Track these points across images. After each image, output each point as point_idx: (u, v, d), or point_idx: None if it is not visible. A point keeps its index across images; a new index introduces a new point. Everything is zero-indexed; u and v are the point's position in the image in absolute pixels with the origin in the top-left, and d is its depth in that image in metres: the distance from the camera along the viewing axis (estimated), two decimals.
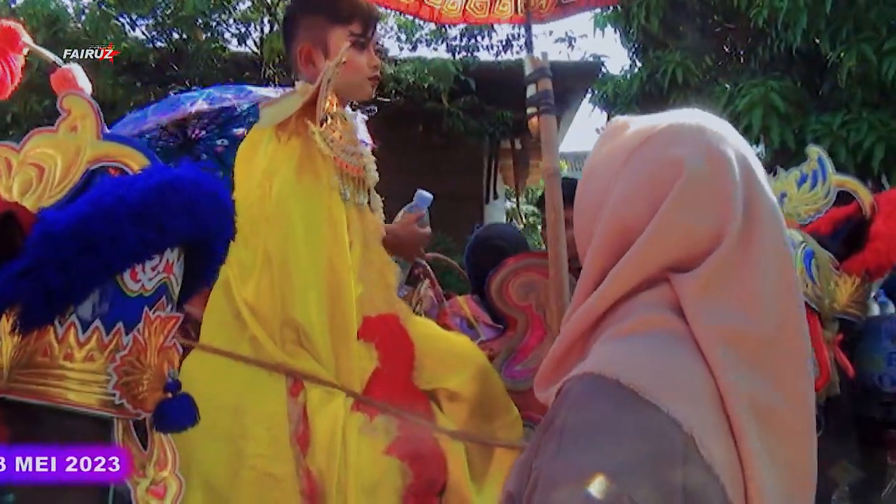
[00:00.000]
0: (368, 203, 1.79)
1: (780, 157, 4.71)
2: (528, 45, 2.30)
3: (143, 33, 5.28)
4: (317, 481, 1.50)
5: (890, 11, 4.88)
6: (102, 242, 1.08)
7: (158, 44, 5.26)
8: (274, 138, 1.63)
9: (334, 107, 1.68)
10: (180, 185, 1.15)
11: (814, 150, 2.23)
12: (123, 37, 4.92)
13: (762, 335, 0.84)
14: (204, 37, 5.05)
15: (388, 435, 1.56)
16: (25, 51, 1.82)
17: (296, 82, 1.76)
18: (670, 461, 0.76)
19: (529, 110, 2.05)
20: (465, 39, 6.03)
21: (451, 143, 6.47)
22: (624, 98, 6.88)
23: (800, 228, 2.12)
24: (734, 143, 0.92)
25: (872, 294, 3.27)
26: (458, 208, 6.03)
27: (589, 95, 7.49)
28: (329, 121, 1.64)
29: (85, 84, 1.73)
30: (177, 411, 1.23)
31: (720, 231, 0.86)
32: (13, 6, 4.64)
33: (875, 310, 3.40)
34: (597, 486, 0.75)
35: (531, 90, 2.05)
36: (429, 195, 1.99)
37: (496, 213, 9.10)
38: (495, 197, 8.92)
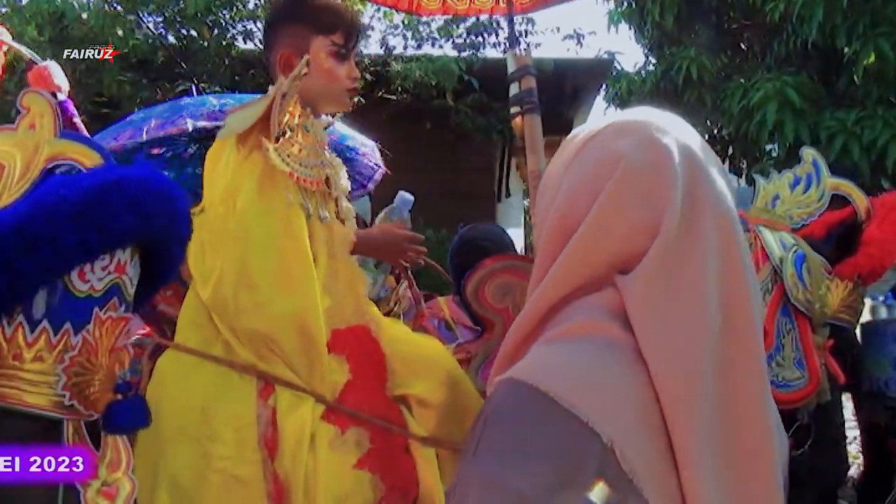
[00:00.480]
0: (337, 214, 1.77)
1: (794, 153, 4.62)
2: (511, 41, 2.26)
3: (151, 31, 5.30)
4: (283, 485, 1.49)
5: None
6: (42, 243, 1.07)
7: (166, 41, 5.28)
8: (235, 150, 1.61)
9: (295, 118, 1.64)
10: (124, 184, 1.13)
11: (808, 153, 2.18)
12: (131, 34, 4.93)
13: (709, 335, 0.80)
14: (212, 34, 5.05)
15: (360, 448, 1.54)
16: (5, 48, 1.81)
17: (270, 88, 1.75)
18: (582, 473, 0.73)
19: (513, 110, 2.00)
20: (471, 37, 5.98)
21: (461, 140, 6.42)
22: (638, 95, 6.80)
23: (792, 232, 2.07)
24: (679, 135, 0.89)
25: (881, 298, 3.20)
26: (469, 207, 6.00)
27: (603, 93, 7.43)
28: (288, 134, 1.61)
29: (62, 82, 1.73)
30: (127, 413, 1.22)
31: (659, 223, 0.83)
32: (21, 4, 4.66)
33: (882, 313, 3.34)
34: (503, 497, 0.73)
35: (514, 89, 2.00)
36: (410, 197, 1.96)
37: (511, 211, 9.05)
38: (508, 195, 8.86)
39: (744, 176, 6.45)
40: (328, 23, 1.74)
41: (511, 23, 2.27)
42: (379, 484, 1.53)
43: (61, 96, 1.70)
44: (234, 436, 1.51)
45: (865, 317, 3.22)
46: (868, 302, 3.45)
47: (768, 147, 5.74)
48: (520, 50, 2.06)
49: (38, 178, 1.21)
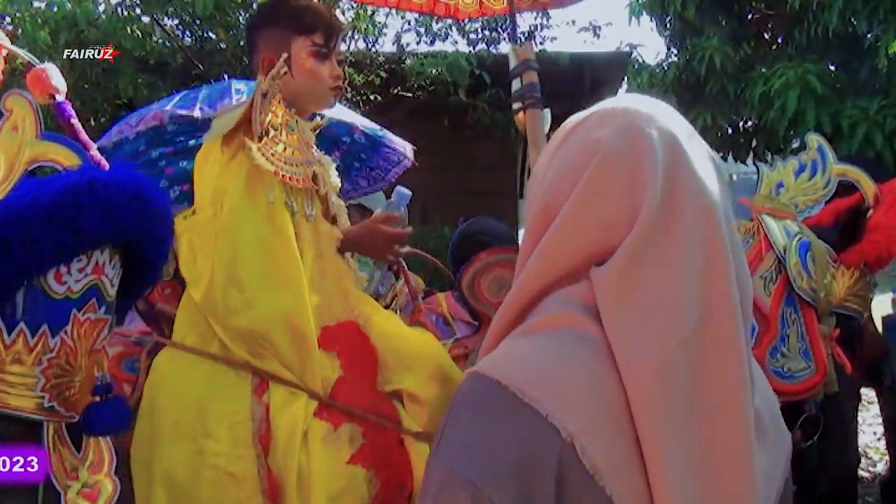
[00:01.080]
0: (327, 212, 1.77)
1: None
2: (512, 36, 2.23)
3: (167, 32, 5.33)
4: (277, 481, 1.49)
5: None
6: (14, 245, 1.07)
7: (183, 43, 5.30)
8: (220, 152, 1.62)
9: (279, 118, 1.65)
10: (97, 185, 1.14)
11: (813, 139, 2.12)
12: (148, 36, 4.96)
13: (684, 326, 0.78)
14: (228, 35, 5.07)
15: (353, 444, 1.54)
16: (4, 52, 1.82)
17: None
18: (540, 470, 0.72)
19: (515, 105, 1.99)
20: (486, 32, 5.92)
21: (480, 138, 6.36)
22: (660, 87, 6.68)
23: (796, 220, 2.02)
24: (663, 122, 0.86)
25: None
26: (489, 204, 5.93)
27: (625, 86, 7.34)
28: (272, 133, 1.61)
29: (60, 83, 1.73)
30: (105, 415, 1.22)
31: (637, 212, 0.81)
32: (34, 9, 4.69)
33: None
34: (460, 493, 0.73)
35: (516, 84, 1.98)
36: (407, 192, 1.94)
37: None
38: None
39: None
40: (308, 23, 1.74)
41: (513, 19, 2.24)
42: (373, 479, 1.52)
43: (59, 98, 1.71)
44: (228, 433, 1.51)
45: (887, 310, 3.14)
46: (890, 295, 3.37)
47: (789, 135, 5.60)
48: (521, 44, 2.04)
49: (21, 179, 1.22)
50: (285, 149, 1.64)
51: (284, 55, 1.65)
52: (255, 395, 1.55)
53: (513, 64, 2.03)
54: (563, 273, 0.85)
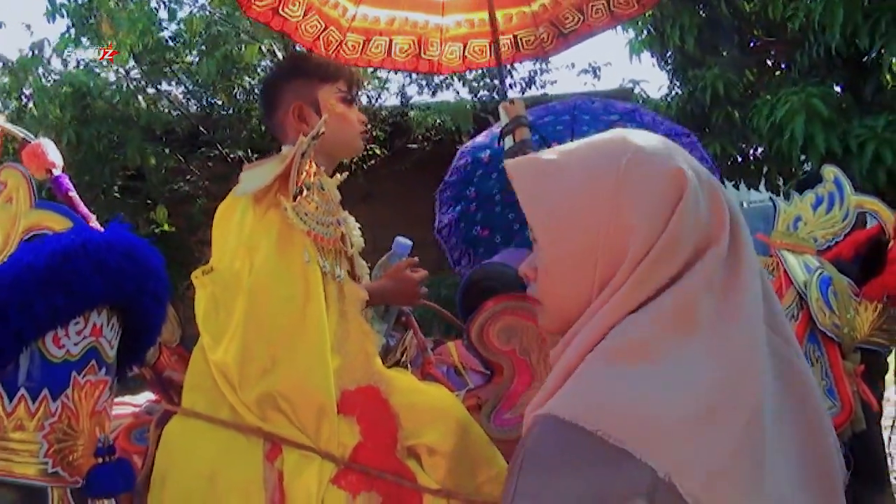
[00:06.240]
0: (349, 272, 1.75)
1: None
2: (502, 92, 2.23)
3: (171, 102, 5.37)
4: None
5: None
6: (10, 311, 1.07)
7: (188, 110, 5.33)
8: (251, 208, 1.61)
9: (311, 177, 1.66)
10: (91, 246, 1.14)
11: (829, 171, 2.08)
12: (154, 106, 5.00)
13: (762, 339, 0.81)
14: (232, 100, 5.09)
15: None
16: None
17: (283, 147, 1.75)
18: None
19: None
20: (487, 80, 5.91)
21: None
22: None
23: (816, 254, 1.97)
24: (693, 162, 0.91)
25: None
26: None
27: None
28: (305, 192, 1.62)
29: (56, 158, 1.72)
30: (107, 477, 1.20)
31: (707, 243, 0.83)
32: (45, 85, 4.73)
33: None
34: None
35: (509, 142, 1.96)
36: (408, 242, 1.93)
37: None
38: None
39: (781, 193, 6.29)
40: (332, 72, 1.82)
41: (501, 75, 2.24)
42: None
43: (56, 172, 1.70)
44: (241, 502, 1.47)
45: None
46: None
47: (801, 160, 5.55)
48: (511, 100, 2.03)
49: (16, 249, 1.22)
50: (317, 208, 1.64)
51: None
52: (266, 462, 1.51)
53: (504, 121, 2.02)
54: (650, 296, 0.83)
